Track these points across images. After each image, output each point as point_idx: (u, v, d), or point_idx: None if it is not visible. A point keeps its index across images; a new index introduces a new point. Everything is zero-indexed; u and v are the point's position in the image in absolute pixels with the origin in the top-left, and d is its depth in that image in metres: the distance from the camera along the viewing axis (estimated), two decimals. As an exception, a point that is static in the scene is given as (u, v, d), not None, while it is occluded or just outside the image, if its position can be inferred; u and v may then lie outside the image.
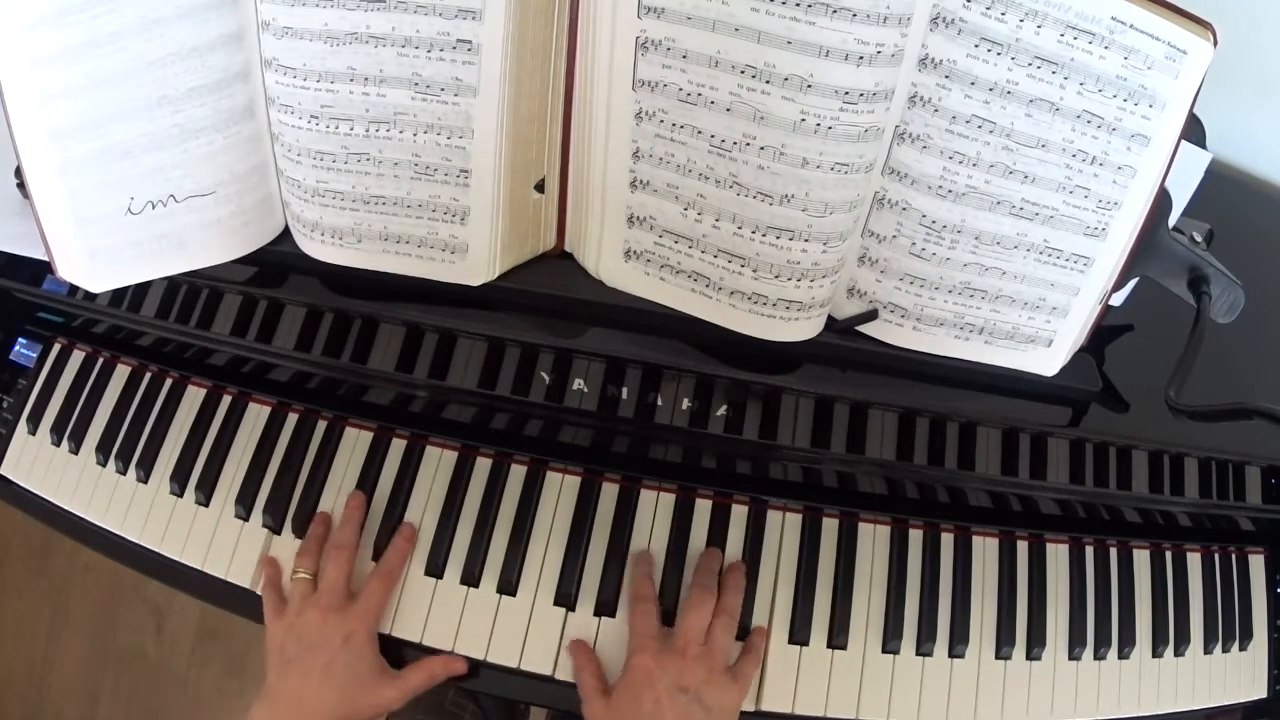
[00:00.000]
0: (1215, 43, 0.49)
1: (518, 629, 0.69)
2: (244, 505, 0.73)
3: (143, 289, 0.69)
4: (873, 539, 0.73)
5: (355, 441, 0.75)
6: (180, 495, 0.75)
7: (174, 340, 0.76)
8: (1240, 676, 0.76)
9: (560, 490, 0.73)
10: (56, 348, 0.82)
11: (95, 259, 0.59)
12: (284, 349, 0.68)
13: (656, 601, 0.68)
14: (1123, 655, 0.73)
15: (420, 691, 0.67)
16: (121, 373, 0.80)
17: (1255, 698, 0.76)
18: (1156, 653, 0.74)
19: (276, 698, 0.64)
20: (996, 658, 0.71)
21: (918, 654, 0.70)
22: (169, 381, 0.79)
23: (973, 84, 0.50)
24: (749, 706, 0.67)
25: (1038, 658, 0.71)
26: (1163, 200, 0.56)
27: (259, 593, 0.71)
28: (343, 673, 0.64)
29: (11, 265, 0.69)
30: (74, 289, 0.69)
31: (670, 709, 0.61)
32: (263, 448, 0.75)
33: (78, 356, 0.81)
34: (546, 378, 0.65)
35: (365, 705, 0.64)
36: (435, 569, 0.71)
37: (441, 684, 0.68)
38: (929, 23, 0.49)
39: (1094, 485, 0.67)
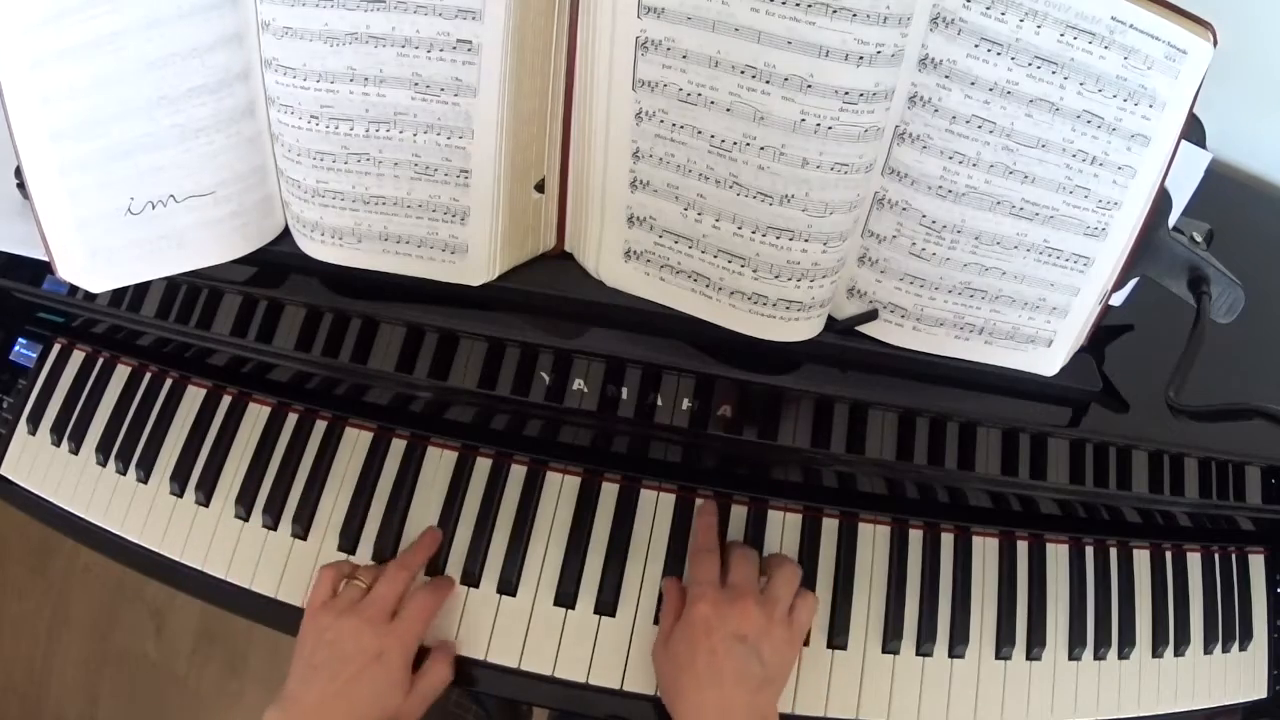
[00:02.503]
0: (1215, 43, 0.49)
1: (518, 629, 0.69)
2: (244, 505, 0.73)
3: (143, 289, 0.69)
4: (873, 539, 0.73)
5: (355, 441, 0.75)
6: (180, 495, 0.75)
7: (174, 340, 0.76)
8: (1240, 676, 0.76)
9: (560, 490, 0.73)
10: (56, 348, 0.82)
11: (95, 259, 0.59)
12: (284, 349, 0.68)
13: (718, 552, 0.67)
14: (1123, 655, 0.73)
15: (439, 690, 0.65)
16: (121, 373, 0.80)
17: (1255, 698, 0.76)
18: (1156, 653, 0.74)
19: (296, 706, 0.62)
20: (996, 658, 0.71)
21: (918, 654, 0.70)
22: (169, 381, 0.79)
23: (973, 84, 0.50)
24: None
25: (1038, 658, 0.71)
26: (1163, 200, 0.56)
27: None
28: (367, 690, 0.62)
29: (11, 265, 0.68)
30: (74, 289, 0.69)
31: (727, 659, 0.60)
32: (263, 448, 0.75)
33: (78, 356, 0.81)
34: (546, 378, 0.65)
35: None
36: (435, 569, 0.71)
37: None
38: (929, 23, 0.49)
39: (1094, 485, 0.67)
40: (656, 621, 0.69)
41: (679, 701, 0.61)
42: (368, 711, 0.62)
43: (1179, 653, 0.74)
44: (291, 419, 0.77)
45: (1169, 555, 0.77)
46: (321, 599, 0.67)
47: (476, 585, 0.70)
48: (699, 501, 0.72)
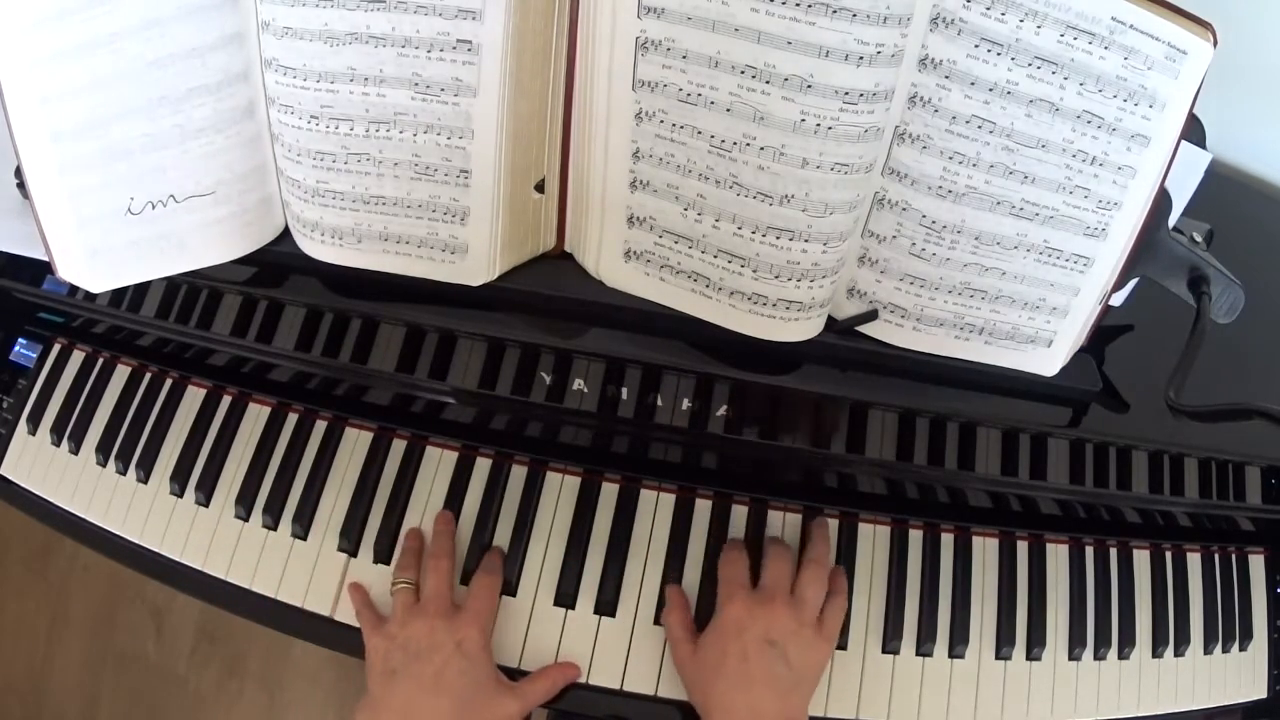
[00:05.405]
0: (1215, 43, 0.49)
1: (518, 629, 0.69)
2: (244, 505, 0.73)
3: (143, 289, 0.69)
4: (873, 539, 0.73)
5: (355, 442, 0.75)
6: (180, 495, 0.75)
7: (174, 340, 0.76)
8: (1240, 676, 0.76)
9: (560, 490, 0.73)
10: (56, 348, 0.82)
11: (95, 259, 0.59)
12: (284, 349, 0.68)
13: (745, 551, 0.68)
14: (1123, 655, 0.73)
15: (542, 702, 0.65)
16: (121, 373, 0.80)
17: (1255, 698, 0.76)
18: (1156, 653, 0.74)
19: (381, 708, 0.61)
20: (996, 658, 0.71)
21: (918, 654, 0.70)
22: (169, 382, 0.79)
23: (973, 84, 0.50)
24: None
25: (1038, 658, 0.71)
26: (1163, 200, 0.56)
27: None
28: (458, 680, 0.61)
29: (11, 265, 0.68)
30: (74, 289, 0.69)
31: (757, 662, 0.60)
32: (263, 448, 0.75)
33: (78, 356, 0.81)
34: (547, 378, 0.65)
35: (486, 717, 0.61)
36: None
37: None
38: (929, 23, 0.49)
39: (1094, 485, 0.67)
40: (657, 622, 0.69)
41: (710, 704, 0.61)
42: (466, 701, 0.60)
43: (1179, 653, 0.74)
44: (291, 419, 0.77)
45: (1169, 555, 0.77)
46: (372, 618, 0.66)
47: (476, 585, 0.70)
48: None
